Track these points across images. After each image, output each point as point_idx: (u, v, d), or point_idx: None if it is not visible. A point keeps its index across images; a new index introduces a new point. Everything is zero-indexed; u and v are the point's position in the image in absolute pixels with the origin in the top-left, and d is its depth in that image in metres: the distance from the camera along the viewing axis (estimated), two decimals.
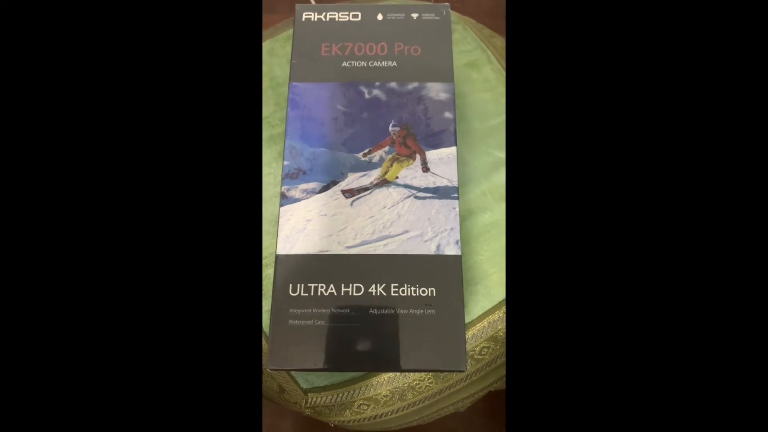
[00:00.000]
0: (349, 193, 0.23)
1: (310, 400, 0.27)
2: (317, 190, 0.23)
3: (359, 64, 0.25)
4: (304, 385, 0.27)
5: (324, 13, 0.26)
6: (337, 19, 0.26)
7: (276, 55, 0.32)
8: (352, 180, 0.23)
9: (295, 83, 0.24)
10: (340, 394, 0.27)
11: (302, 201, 0.22)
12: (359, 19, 0.26)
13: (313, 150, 0.23)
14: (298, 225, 0.22)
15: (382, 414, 0.27)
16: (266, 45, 0.33)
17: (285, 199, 0.22)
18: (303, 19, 0.26)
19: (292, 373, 0.27)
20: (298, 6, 0.26)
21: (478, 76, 0.31)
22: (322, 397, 0.27)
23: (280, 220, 0.22)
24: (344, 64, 0.25)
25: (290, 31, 0.33)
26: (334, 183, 0.23)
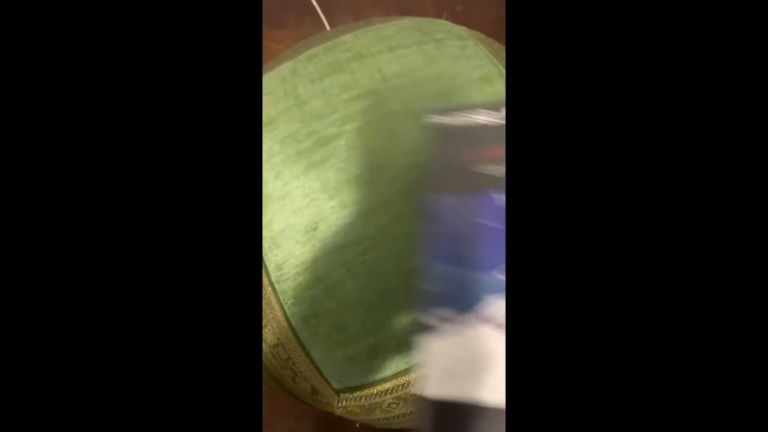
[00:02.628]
0: (494, 323, 0.20)
1: (341, 399, 0.29)
2: (457, 317, 0.20)
3: (490, 170, 0.22)
4: (337, 386, 0.28)
5: (454, 115, 0.24)
6: (467, 123, 0.23)
7: (299, 75, 0.34)
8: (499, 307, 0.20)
9: (430, 195, 0.22)
10: (371, 393, 0.28)
11: (441, 330, 0.20)
12: (484, 121, 0.23)
13: (452, 269, 0.21)
14: (442, 361, 0.20)
15: (411, 412, 0.29)
16: (288, 65, 0.35)
17: (422, 328, 0.20)
18: (434, 123, 0.23)
19: (325, 374, 0.28)
20: (427, 112, 0.23)
21: (491, 90, 0.33)
22: (354, 396, 0.28)
23: (422, 354, 0.20)
24: (476, 170, 0.22)
25: (312, 51, 0.35)
26: (475, 309, 0.20)
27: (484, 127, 0.23)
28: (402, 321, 0.27)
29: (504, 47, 0.37)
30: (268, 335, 0.29)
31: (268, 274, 0.29)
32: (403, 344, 0.27)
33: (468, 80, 0.32)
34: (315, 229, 0.28)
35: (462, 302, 0.20)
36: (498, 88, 0.33)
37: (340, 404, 0.29)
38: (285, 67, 0.35)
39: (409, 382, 0.28)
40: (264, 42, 0.69)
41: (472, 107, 0.24)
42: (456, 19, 0.43)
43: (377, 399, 0.28)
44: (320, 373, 0.28)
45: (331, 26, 0.71)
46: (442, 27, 0.36)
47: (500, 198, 0.21)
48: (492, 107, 0.23)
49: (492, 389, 0.19)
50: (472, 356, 0.19)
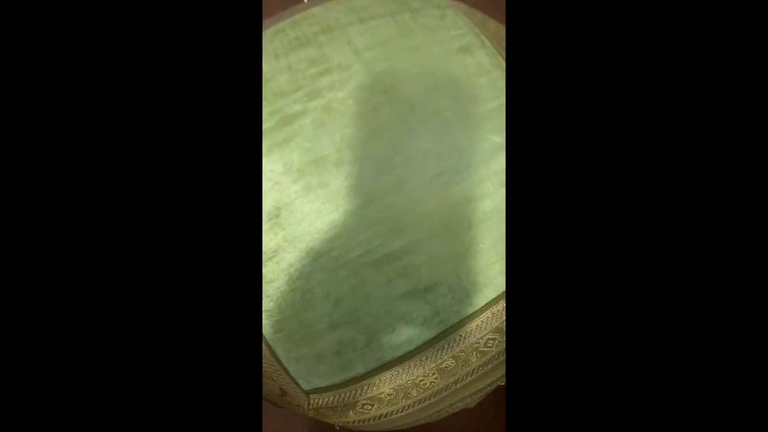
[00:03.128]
0: None
1: (312, 401, 0.26)
2: None
3: None
4: (306, 387, 0.26)
5: None
6: None
7: (263, 51, 0.32)
8: None
9: None
10: (342, 395, 0.26)
11: None
12: None
13: None
14: None
15: (387, 413, 0.26)
16: None
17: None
18: None
19: (293, 374, 0.26)
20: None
21: (472, 61, 0.30)
22: (324, 398, 0.26)
23: None
24: None
25: (277, 26, 0.32)
26: None
27: None
28: (373, 314, 0.25)
29: (487, 18, 0.34)
30: None
31: None
32: (374, 340, 0.25)
33: (446, 51, 0.30)
34: (278, 216, 0.25)
35: None
36: (479, 59, 0.30)
37: (311, 406, 0.27)
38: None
39: (382, 381, 0.26)
40: None
41: None
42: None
43: (350, 400, 0.26)
44: (287, 372, 0.26)
45: None
46: None
47: None
48: None
49: None
50: None
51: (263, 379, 0.27)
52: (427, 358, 0.25)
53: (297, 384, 0.26)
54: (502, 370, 0.27)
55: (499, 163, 0.27)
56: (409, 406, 0.26)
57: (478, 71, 0.30)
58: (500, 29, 0.34)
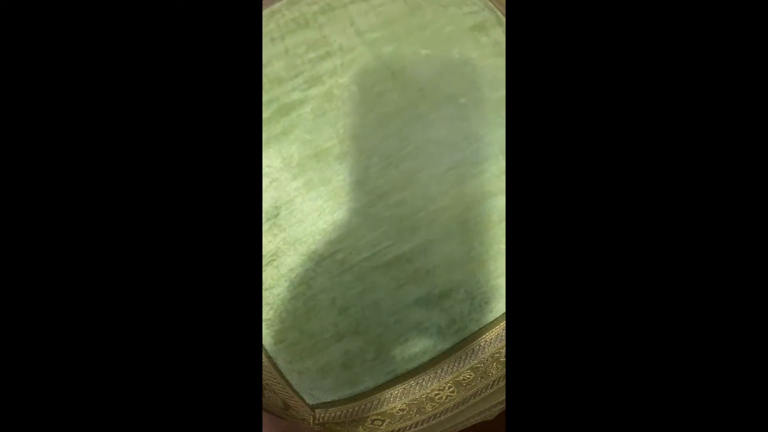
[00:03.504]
0: None
1: (318, 416, 0.25)
2: None
3: None
4: (310, 401, 0.24)
5: None
6: None
7: None
8: None
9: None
10: (350, 410, 0.24)
11: None
12: None
13: None
14: None
15: (399, 429, 0.25)
16: None
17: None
18: None
19: (296, 387, 0.24)
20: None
21: (488, 40, 0.28)
22: (330, 413, 0.24)
23: None
24: None
25: (273, 8, 0.30)
26: None
27: None
28: (383, 323, 0.23)
29: None
30: None
31: None
32: (384, 351, 0.23)
33: (459, 30, 0.27)
34: (276, 215, 0.24)
35: None
36: (496, 37, 0.27)
37: (316, 421, 0.25)
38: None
39: (393, 396, 0.24)
40: None
41: None
42: None
43: (358, 415, 0.24)
44: (290, 386, 0.24)
45: None
46: None
47: None
48: None
49: None
50: None
51: (265, 392, 0.25)
52: (443, 371, 0.23)
53: (301, 398, 0.25)
54: None
55: None
56: (423, 421, 0.25)
57: (494, 51, 0.27)
58: None
